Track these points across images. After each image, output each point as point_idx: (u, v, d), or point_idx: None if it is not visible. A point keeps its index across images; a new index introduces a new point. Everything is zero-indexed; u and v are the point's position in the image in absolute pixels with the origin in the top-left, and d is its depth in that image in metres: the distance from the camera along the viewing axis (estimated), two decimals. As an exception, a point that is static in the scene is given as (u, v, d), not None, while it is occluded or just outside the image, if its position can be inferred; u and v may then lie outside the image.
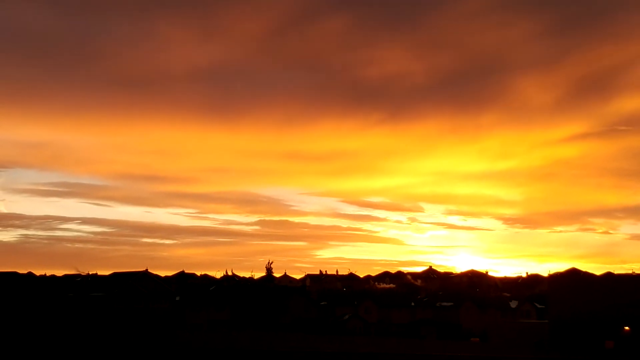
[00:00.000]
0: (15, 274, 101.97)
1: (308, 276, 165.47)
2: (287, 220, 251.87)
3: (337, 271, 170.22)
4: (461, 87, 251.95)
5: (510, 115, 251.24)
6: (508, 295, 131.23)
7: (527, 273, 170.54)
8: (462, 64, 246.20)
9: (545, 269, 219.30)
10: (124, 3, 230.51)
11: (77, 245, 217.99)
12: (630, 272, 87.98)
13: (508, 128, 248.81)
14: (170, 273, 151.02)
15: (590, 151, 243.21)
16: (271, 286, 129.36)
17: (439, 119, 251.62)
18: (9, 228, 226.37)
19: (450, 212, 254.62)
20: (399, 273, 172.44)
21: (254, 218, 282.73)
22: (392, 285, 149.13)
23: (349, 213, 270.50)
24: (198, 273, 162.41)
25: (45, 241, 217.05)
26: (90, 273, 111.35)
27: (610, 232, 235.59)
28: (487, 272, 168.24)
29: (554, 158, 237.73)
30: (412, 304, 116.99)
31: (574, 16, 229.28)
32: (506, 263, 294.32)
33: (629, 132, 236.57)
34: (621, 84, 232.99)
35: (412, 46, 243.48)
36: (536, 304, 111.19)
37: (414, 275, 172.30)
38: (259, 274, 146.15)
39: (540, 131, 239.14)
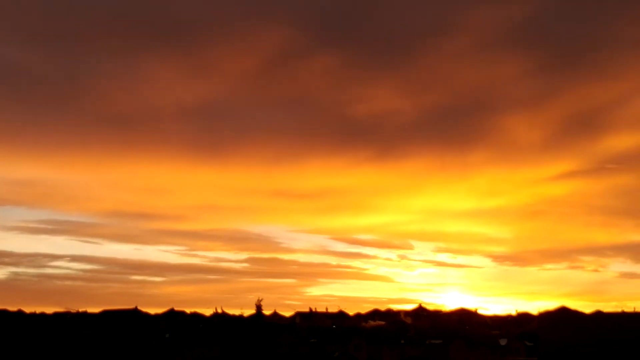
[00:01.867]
0: (5, 311, 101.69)
1: (298, 313, 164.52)
2: (276, 258, 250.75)
3: (326, 308, 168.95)
4: (450, 125, 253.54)
5: (498, 153, 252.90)
6: (497, 332, 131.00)
7: (516, 311, 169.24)
8: (450, 102, 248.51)
9: (535, 306, 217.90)
10: (111, 41, 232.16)
11: (67, 282, 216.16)
12: (619, 310, 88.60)
13: (497, 166, 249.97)
14: (160, 310, 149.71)
15: (579, 189, 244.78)
16: (261, 323, 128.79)
17: (428, 157, 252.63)
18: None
19: (439, 250, 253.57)
20: (389, 310, 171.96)
21: (244, 255, 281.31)
22: (381, 323, 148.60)
23: (338, 250, 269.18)
24: (188, 310, 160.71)
25: (35, 278, 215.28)
26: (80, 311, 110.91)
27: (600, 269, 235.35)
28: (476, 310, 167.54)
29: (543, 196, 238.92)
30: (402, 341, 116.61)
31: (562, 55, 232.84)
32: (496, 301, 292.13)
33: (618, 170, 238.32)
34: (609, 122, 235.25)
35: (401, 84, 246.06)
36: (526, 342, 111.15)
37: (404, 312, 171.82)
38: (248, 311, 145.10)
39: (529, 169, 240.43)
